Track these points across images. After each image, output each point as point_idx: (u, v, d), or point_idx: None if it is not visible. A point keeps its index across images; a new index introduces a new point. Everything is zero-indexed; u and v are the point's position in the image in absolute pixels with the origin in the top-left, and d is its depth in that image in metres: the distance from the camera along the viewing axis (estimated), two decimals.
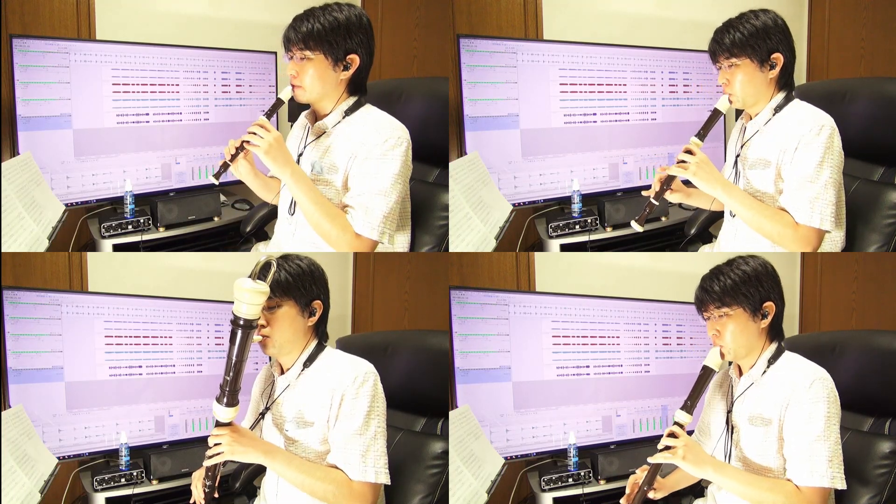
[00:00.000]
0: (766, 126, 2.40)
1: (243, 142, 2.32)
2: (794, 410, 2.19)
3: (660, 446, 2.23)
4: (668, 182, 2.45)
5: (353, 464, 2.22)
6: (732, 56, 2.34)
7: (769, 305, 2.25)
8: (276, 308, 2.23)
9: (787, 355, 2.29)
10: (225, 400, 2.15)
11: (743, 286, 2.23)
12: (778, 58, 2.35)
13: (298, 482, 2.21)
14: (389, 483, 2.29)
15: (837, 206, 2.34)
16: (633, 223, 2.49)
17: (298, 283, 2.24)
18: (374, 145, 2.35)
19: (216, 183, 2.42)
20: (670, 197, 2.50)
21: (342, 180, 2.38)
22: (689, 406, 2.24)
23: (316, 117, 2.44)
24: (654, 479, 2.28)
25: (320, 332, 2.33)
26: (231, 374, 2.14)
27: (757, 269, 2.26)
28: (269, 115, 2.36)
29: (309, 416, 2.26)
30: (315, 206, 2.34)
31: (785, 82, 2.39)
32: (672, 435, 2.21)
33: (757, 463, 2.24)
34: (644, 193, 2.50)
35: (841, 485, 2.17)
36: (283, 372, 2.33)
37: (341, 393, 2.23)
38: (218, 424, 2.19)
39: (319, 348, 2.32)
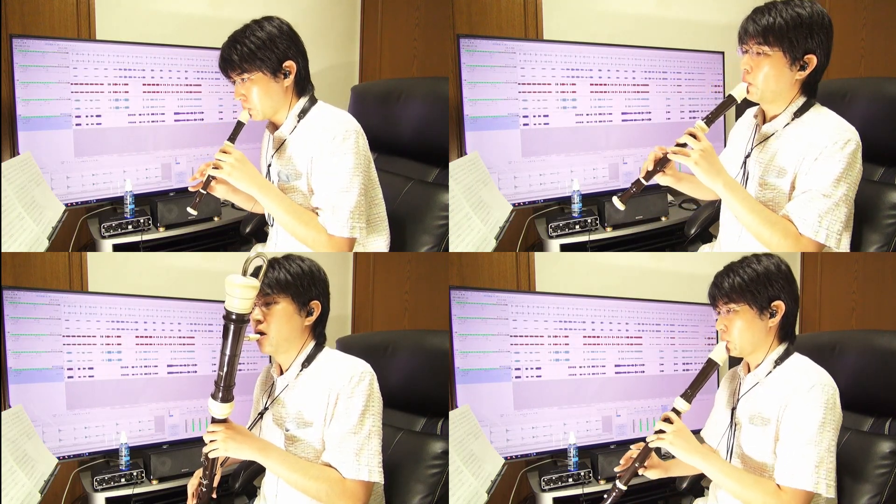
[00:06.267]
0: (785, 130, 2.29)
1: (213, 167, 2.38)
2: (790, 412, 2.18)
3: (655, 429, 2.26)
4: (662, 163, 2.31)
5: (346, 462, 2.24)
6: (764, 43, 2.20)
7: (778, 305, 2.23)
8: (273, 304, 2.26)
9: (795, 357, 2.27)
10: (220, 395, 2.17)
11: (751, 284, 2.21)
12: (811, 59, 2.23)
13: (292, 480, 2.24)
14: (382, 482, 2.30)
15: (845, 223, 2.25)
16: (614, 199, 2.33)
17: (297, 282, 2.27)
18: (325, 142, 2.40)
19: (195, 213, 2.49)
20: (660, 179, 2.36)
21: (307, 184, 2.43)
22: (689, 395, 2.26)
23: (276, 128, 2.49)
24: (646, 458, 2.31)
25: (318, 333, 2.35)
26: (225, 369, 2.16)
27: (769, 268, 2.23)
28: (231, 139, 2.41)
29: (308, 416, 2.28)
30: (288, 215, 2.40)
31: (809, 86, 2.28)
32: (668, 420, 2.24)
33: (755, 460, 2.25)
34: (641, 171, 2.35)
35: (826, 491, 2.13)
36: (281, 372, 2.35)
37: (337, 392, 2.25)
38: (214, 421, 2.22)
39: (318, 349, 2.34)
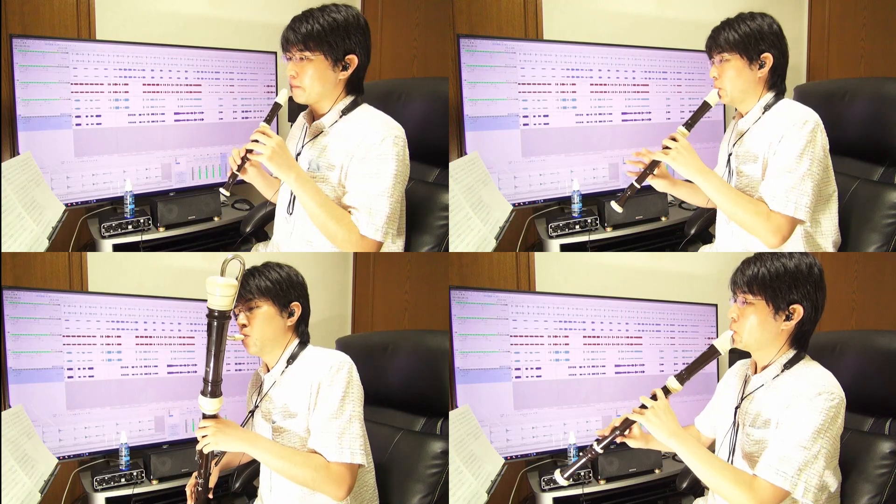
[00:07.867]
0: (756, 124, 2.46)
1: (247, 150, 2.38)
2: (789, 415, 2.14)
3: (640, 404, 2.23)
4: (651, 167, 2.51)
5: (329, 446, 2.30)
6: (724, 51, 2.44)
7: (796, 308, 2.19)
8: (256, 308, 2.35)
9: (806, 363, 2.24)
10: (209, 391, 2.25)
11: (774, 280, 2.18)
12: (767, 57, 2.43)
13: (279, 468, 2.30)
14: (366, 465, 2.37)
15: (814, 197, 2.37)
16: (613, 203, 2.55)
17: (276, 287, 2.36)
18: (372, 145, 2.40)
19: (227, 194, 2.49)
20: (654, 183, 2.57)
21: (338, 178, 2.43)
22: (683, 377, 2.24)
23: (314, 117, 2.49)
24: (626, 429, 2.27)
25: (301, 332, 2.42)
26: (211, 365, 2.23)
27: (799, 267, 2.20)
28: (268, 120, 2.40)
29: (293, 407, 2.35)
30: (321, 208, 2.39)
31: (774, 83, 2.47)
32: (654, 397, 2.22)
33: (756, 461, 2.21)
34: (629, 173, 2.56)
35: (803, 496, 2.09)
36: (268, 370, 2.43)
37: (318, 382, 2.33)
38: (205, 417, 2.29)
39: (301, 347, 2.42)
